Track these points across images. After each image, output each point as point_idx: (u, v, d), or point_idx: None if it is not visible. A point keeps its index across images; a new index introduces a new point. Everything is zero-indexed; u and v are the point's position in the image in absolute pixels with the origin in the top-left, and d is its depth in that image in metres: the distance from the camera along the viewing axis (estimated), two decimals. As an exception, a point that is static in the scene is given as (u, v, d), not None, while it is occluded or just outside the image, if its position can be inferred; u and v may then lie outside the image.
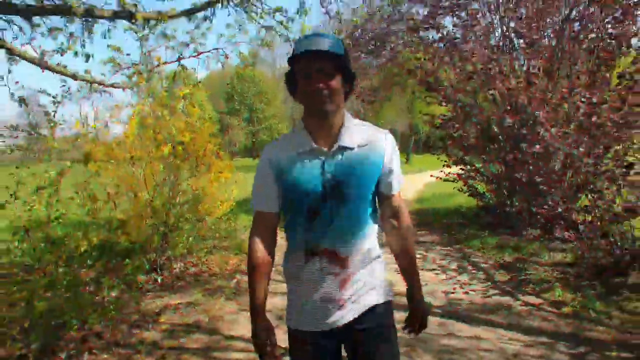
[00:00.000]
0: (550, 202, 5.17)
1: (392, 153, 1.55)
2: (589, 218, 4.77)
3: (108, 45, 6.11)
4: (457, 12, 7.36)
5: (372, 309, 1.54)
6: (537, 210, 5.29)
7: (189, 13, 6.26)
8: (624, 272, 4.45)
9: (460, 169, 7.83)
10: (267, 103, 53.54)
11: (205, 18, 6.72)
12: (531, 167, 5.33)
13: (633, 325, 3.48)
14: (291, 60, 1.45)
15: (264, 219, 1.55)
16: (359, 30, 9.07)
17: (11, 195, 3.30)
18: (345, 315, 1.50)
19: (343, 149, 1.48)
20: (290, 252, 1.57)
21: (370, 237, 1.55)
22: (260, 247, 1.53)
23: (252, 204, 1.58)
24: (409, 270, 1.63)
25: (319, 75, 1.40)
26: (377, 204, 1.61)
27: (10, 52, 5.68)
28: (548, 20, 6.22)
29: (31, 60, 5.71)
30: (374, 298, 1.54)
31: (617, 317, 3.65)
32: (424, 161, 32.16)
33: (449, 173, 7.81)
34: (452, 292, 4.47)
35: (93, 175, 4.07)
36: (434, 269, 5.33)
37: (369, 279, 1.53)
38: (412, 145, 38.68)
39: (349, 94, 1.52)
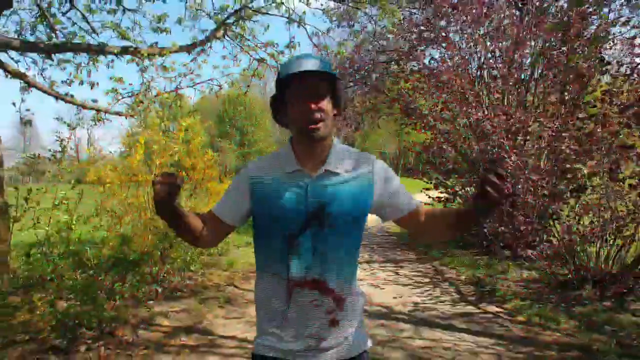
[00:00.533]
0: (515, 223, 5.73)
1: (384, 177, 1.48)
2: (551, 239, 5.33)
3: (110, 77, 6.64)
4: (435, 46, 8.07)
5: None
6: (503, 231, 5.84)
7: (189, 48, 6.86)
8: (580, 287, 4.99)
9: (440, 192, 8.40)
10: (257, 126, 54.27)
11: (202, 50, 7.33)
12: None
13: (577, 329, 4.00)
14: (280, 82, 1.40)
15: (213, 221, 1.48)
16: (347, 61, 9.75)
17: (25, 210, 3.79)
18: (328, 355, 1.43)
19: (329, 173, 1.42)
20: (264, 280, 1.48)
21: (353, 272, 1.48)
22: (196, 221, 1.44)
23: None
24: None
25: (312, 96, 1.35)
26: (362, 236, 1.52)
27: (29, 84, 6.23)
28: (518, 54, 6.88)
29: (45, 91, 6.25)
30: (358, 345, 1.48)
31: (565, 323, 4.17)
32: (413, 184, 32.84)
33: (429, 196, 8.36)
34: (423, 303, 4.98)
35: (107, 195, 4.58)
36: (408, 284, 5.84)
37: (354, 317, 1.47)
38: (400, 169, 39.67)
39: (337, 117, 1.48)
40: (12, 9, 5.90)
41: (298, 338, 1.41)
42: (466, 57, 7.46)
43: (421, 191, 8.36)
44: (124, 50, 6.08)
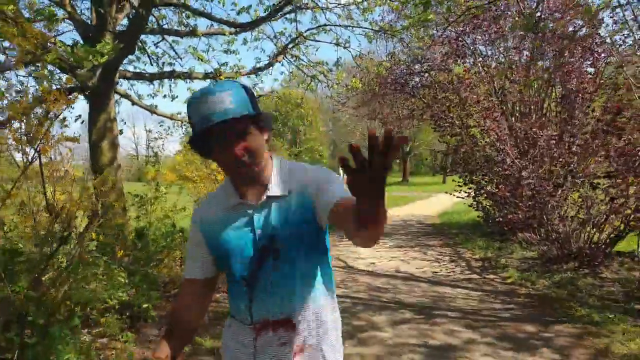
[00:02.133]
0: (517, 212, 7.08)
1: (316, 179, 1.31)
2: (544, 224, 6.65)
3: (188, 88, 8.42)
4: (461, 61, 9.44)
5: None
6: (508, 218, 7.19)
7: (256, 71, 8.62)
8: (566, 262, 6.30)
9: (468, 188, 9.71)
10: (309, 125, 56.08)
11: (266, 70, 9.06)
12: (501, 186, 7.24)
13: (545, 287, 5.39)
14: (195, 132, 1.21)
15: (190, 286, 1.40)
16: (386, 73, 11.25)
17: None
18: None
19: (273, 198, 1.30)
20: (233, 323, 1.41)
21: (325, 299, 1.38)
22: (182, 308, 1.40)
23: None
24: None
25: (234, 141, 1.19)
26: (325, 253, 1.40)
27: (132, 102, 8.18)
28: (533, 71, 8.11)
29: (143, 107, 8.17)
30: None
31: (539, 284, 5.55)
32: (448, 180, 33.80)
33: (462, 192, 9.66)
34: (439, 272, 6.46)
35: (196, 189, 6.34)
36: (430, 260, 7.33)
37: (324, 347, 1.36)
38: (448, 167, 40.51)
39: (270, 136, 1.32)
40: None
41: None
42: (485, 71, 8.79)
43: (454, 189, 9.63)
44: (206, 76, 7.88)
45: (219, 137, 1.19)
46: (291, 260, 1.30)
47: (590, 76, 6.97)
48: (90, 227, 3.49)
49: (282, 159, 1.40)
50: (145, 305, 3.95)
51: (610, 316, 4.23)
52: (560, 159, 6.44)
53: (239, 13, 7.66)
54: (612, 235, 6.10)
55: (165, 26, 7.87)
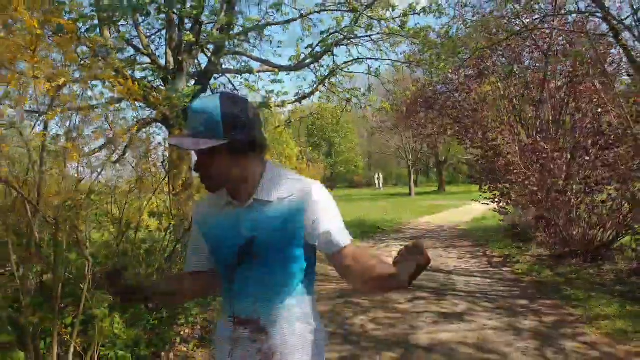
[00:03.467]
0: (529, 216, 8.13)
1: (318, 207, 1.35)
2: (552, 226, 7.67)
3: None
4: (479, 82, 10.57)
5: None
6: (522, 221, 8.24)
7: (301, 99, 10.02)
8: (572, 257, 7.30)
9: (493, 195, 10.72)
10: (344, 137, 57.41)
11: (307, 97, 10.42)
12: (513, 193, 8.31)
13: (548, 277, 6.44)
14: None
15: (197, 276, 1.51)
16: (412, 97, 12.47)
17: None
18: None
19: (259, 202, 1.35)
20: (221, 319, 1.49)
21: (301, 306, 1.39)
22: (175, 281, 1.64)
23: None
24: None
25: (198, 157, 1.33)
26: (309, 267, 1.41)
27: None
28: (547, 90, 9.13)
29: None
30: None
31: (545, 274, 6.60)
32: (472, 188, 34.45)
33: (486, 199, 10.64)
34: (459, 266, 7.59)
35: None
36: (454, 257, 8.46)
37: (297, 356, 1.36)
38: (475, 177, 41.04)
39: (253, 145, 1.33)
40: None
41: None
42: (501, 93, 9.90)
43: (480, 196, 10.60)
44: (259, 105, 9.30)
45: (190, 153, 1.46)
46: (268, 264, 1.35)
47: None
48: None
49: (275, 166, 1.43)
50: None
51: (592, 294, 5.28)
52: (562, 170, 7.48)
53: (289, 59, 8.94)
54: (612, 234, 7.07)
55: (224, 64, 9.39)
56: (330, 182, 57.12)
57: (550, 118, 8.98)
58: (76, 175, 3.18)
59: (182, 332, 4.03)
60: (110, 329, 2.99)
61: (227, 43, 7.69)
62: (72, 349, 2.91)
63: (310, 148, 53.87)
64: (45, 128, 2.91)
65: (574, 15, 7.81)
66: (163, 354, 3.64)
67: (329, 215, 1.37)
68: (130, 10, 6.01)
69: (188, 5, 6.57)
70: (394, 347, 3.96)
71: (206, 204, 1.51)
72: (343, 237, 1.37)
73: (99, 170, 3.46)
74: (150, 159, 4.45)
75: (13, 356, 2.62)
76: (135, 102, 6.75)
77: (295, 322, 1.38)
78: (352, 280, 1.39)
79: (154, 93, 6.30)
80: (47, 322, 2.82)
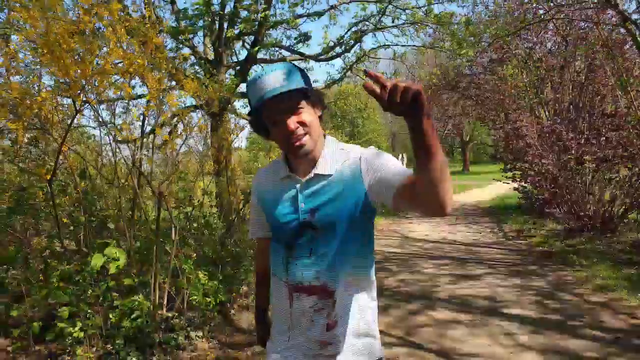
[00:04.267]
0: (544, 193, 8.73)
1: (371, 163, 1.35)
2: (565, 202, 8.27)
3: None
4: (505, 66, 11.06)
5: None
6: (543, 198, 8.82)
7: (331, 84, 10.67)
8: (584, 231, 7.91)
9: (513, 174, 11.27)
10: (367, 118, 57.63)
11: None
12: (532, 172, 8.88)
13: (559, 248, 7.09)
14: (253, 108, 1.32)
15: (258, 246, 1.63)
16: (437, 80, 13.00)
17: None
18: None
19: (319, 176, 1.38)
20: (273, 284, 1.50)
21: (362, 274, 1.42)
22: (260, 262, 1.63)
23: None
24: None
25: (288, 113, 1.28)
26: (368, 236, 1.43)
27: (237, 115, 10.48)
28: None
29: (244, 118, 10.49)
30: (367, 352, 1.42)
31: (556, 245, 7.25)
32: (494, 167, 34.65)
33: (507, 178, 11.21)
34: (478, 239, 8.29)
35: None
36: (473, 231, 9.14)
37: (357, 323, 1.40)
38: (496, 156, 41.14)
39: (323, 115, 1.40)
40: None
41: (303, 343, 1.41)
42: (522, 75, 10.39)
43: (501, 175, 11.13)
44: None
45: (273, 112, 1.28)
46: (330, 237, 1.35)
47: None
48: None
49: (334, 140, 1.45)
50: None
51: (595, 262, 5.93)
52: (577, 149, 8.04)
53: (324, 52, 9.54)
54: (621, 209, 7.65)
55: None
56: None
57: (569, 101, 9.47)
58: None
59: (242, 288, 4.87)
60: (196, 279, 3.83)
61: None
62: (165, 294, 3.77)
63: (333, 129, 54.61)
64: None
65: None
66: (229, 304, 4.49)
67: (386, 161, 1.32)
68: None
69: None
70: (419, 299, 4.74)
71: (263, 177, 1.53)
72: (402, 171, 1.26)
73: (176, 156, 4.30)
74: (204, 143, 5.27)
75: (135, 298, 3.48)
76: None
77: (357, 291, 1.40)
78: (416, 191, 1.13)
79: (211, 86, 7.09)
80: (148, 274, 3.70)
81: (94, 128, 3.89)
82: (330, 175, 1.38)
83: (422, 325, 4.03)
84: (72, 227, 4.07)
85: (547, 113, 9.99)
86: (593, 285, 4.96)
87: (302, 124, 1.30)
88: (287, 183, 1.43)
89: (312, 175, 1.38)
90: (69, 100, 3.49)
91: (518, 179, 10.73)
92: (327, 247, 1.37)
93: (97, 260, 3.38)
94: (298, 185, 1.40)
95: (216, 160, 8.31)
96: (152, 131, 4.27)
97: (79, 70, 2.97)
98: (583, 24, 9.27)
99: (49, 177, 3.35)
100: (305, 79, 1.32)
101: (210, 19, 7.82)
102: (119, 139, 3.73)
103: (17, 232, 3.93)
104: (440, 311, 4.37)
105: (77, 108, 3.21)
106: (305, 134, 1.31)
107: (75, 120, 3.44)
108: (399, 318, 4.23)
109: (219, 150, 8.30)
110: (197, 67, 8.45)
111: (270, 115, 1.31)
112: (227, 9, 7.69)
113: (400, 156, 47.20)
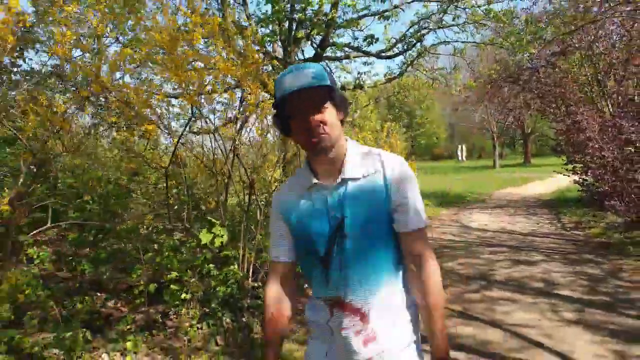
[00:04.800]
0: (605, 186, 8.85)
1: (399, 181, 1.37)
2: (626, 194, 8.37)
3: None
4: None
5: None
6: (598, 190, 8.95)
7: (391, 80, 11.17)
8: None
9: (574, 166, 11.33)
10: (426, 109, 57.08)
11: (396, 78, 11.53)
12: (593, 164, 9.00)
13: (617, 240, 7.30)
14: (277, 103, 1.35)
15: (276, 269, 1.51)
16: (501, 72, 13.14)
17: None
18: None
19: (347, 181, 1.37)
20: (311, 302, 1.49)
21: (394, 283, 1.41)
22: (272, 300, 1.48)
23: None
24: (429, 326, 1.35)
25: (312, 110, 1.31)
26: (396, 248, 1.42)
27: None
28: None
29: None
30: (402, 343, 1.39)
31: (614, 237, 7.45)
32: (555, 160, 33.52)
33: (568, 170, 11.27)
34: (536, 229, 8.58)
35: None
36: (532, 222, 9.41)
37: (396, 335, 1.38)
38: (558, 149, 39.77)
39: (344, 119, 1.41)
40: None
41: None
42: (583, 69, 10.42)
43: (562, 168, 11.20)
44: (354, 86, 10.60)
45: (297, 107, 1.31)
46: (360, 243, 1.35)
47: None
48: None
49: (356, 143, 1.45)
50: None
51: (649, 253, 6.17)
52: (634, 142, 8.12)
53: (387, 49, 10.07)
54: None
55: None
56: (410, 155, 57.47)
57: (634, 93, 9.47)
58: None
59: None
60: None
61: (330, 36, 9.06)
62: (252, 266, 4.53)
63: (391, 121, 54.53)
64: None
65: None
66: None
67: (409, 191, 1.38)
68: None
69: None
70: (477, 280, 5.26)
71: (287, 190, 1.50)
72: (418, 219, 1.38)
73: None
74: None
75: (231, 268, 4.26)
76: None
77: (391, 297, 1.39)
78: (411, 279, 1.42)
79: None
80: (237, 249, 4.47)
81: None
82: (357, 179, 1.38)
83: (478, 301, 4.57)
84: (176, 207, 4.90)
85: (609, 106, 10.01)
86: (644, 273, 5.27)
87: (324, 122, 1.33)
88: (314, 191, 1.42)
89: (339, 180, 1.39)
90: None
91: (579, 172, 10.79)
92: (356, 257, 1.36)
93: (205, 236, 4.19)
94: (326, 192, 1.40)
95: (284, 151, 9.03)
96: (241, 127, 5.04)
97: (196, 82, 3.73)
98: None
99: (166, 165, 4.15)
100: (332, 81, 1.37)
101: (283, 24, 8.55)
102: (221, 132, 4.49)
103: (133, 209, 4.80)
104: (495, 291, 4.88)
105: (194, 113, 3.99)
106: (325, 132, 1.33)
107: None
108: (457, 295, 4.79)
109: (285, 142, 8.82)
110: (268, 66, 9.24)
111: (293, 109, 1.34)
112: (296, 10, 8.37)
113: (459, 147, 46.46)
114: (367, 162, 1.40)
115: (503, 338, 3.68)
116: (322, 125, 1.33)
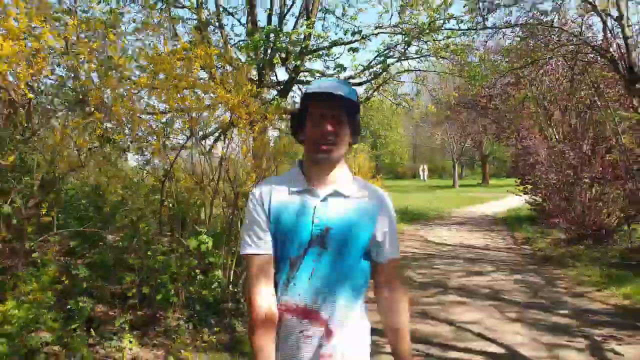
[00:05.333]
0: (549, 204, 9.78)
1: (384, 212, 1.45)
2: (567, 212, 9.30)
3: None
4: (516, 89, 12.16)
5: None
6: (544, 208, 9.88)
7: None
8: (584, 239, 8.92)
9: (524, 187, 12.31)
10: (390, 130, 58.56)
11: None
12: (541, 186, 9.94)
13: (559, 253, 8.13)
14: (304, 99, 1.40)
15: (258, 263, 1.39)
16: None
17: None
18: None
19: (338, 194, 1.40)
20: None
21: (360, 305, 1.44)
22: (262, 300, 1.36)
23: (241, 246, 1.44)
24: (397, 346, 1.46)
25: (331, 120, 1.35)
26: (369, 267, 1.48)
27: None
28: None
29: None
30: None
31: (557, 251, 8.29)
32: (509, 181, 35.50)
33: (520, 191, 12.18)
34: (489, 243, 9.37)
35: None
36: (486, 238, 10.23)
37: (354, 350, 1.41)
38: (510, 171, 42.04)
39: (351, 146, 1.46)
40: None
41: None
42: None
43: (515, 188, 12.12)
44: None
45: (324, 106, 1.35)
46: (337, 255, 1.36)
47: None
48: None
49: (349, 170, 1.50)
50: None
51: (587, 264, 6.97)
52: (574, 167, 9.10)
53: (355, 76, 10.77)
54: (616, 222, 8.65)
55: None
56: (376, 173, 58.76)
57: (574, 124, 10.52)
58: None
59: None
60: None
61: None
62: (232, 272, 5.00)
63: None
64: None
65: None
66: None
67: (391, 224, 1.46)
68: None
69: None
70: (434, 288, 5.90)
71: (274, 184, 1.46)
72: (395, 250, 1.48)
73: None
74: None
75: (216, 273, 4.73)
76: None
77: (351, 316, 1.41)
78: (377, 292, 1.50)
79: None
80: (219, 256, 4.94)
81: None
82: (348, 197, 1.41)
83: (434, 304, 5.19)
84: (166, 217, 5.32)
85: (555, 134, 11.05)
86: (578, 281, 6.04)
87: (336, 134, 1.37)
88: (303, 195, 1.41)
89: (332, 191, 1.41)
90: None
91: (529, 192, 11.77)
92: (330, 267, 1.37)
93: (192, 243, 4.65)
94: (315, 200, 1.40)
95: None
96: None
97: (195, 106, 4.25)
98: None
99: (162, 180, 4.62)
100: (358, 102, 1.44)
101: (259, 51, 9.15)
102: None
103: (129, 218, 5.21)
104: (449, 296, 5.53)
105: (192, 132, 4.49)
106: (335, 144, 1.37)
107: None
108: (415, 299, 5.40)
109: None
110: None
111: (320, 107, 1.37)
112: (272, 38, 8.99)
113: (421, 167, 47.68)
114: (356, 186, 1.46)
115: (454, 333, 4.30)
116: (336, 136, 1.37)
